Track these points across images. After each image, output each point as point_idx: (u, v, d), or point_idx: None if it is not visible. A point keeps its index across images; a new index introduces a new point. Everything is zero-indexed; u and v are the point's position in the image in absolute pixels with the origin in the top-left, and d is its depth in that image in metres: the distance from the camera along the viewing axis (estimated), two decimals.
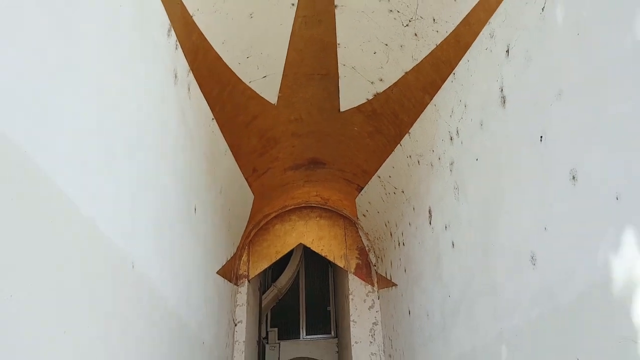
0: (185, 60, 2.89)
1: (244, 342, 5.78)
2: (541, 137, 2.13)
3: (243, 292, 6.05)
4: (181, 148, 2.95)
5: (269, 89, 4.09)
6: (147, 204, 2.29)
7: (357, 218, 6.11)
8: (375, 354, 5.64)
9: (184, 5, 2.65)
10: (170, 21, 2.57)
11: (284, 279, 8.24)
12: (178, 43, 2.73)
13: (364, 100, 4.22)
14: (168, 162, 2.69)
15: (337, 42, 3.69)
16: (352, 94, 4.20)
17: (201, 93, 3.32)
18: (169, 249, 2.70)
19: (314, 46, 3.75)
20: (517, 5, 2.33)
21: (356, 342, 5.74)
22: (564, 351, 1.95)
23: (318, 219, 6.46)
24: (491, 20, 2.59)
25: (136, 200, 2.13)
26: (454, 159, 3.32)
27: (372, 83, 4.00)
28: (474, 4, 2.67)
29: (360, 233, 6.28)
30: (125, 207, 2.01)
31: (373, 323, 5.82)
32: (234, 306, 5.85)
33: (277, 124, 4.61)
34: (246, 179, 5.04)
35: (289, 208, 6.41)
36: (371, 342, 5.72)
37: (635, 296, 1.56)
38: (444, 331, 3.55)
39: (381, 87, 3.96)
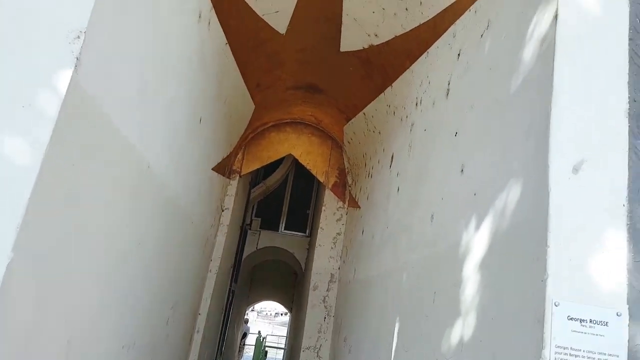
0: (209, 2, 3.47)
1: (227, 225, 6.88)
2: (456, 133, 2.85)
3: (234, 185, 7.02)
4: (195, 69, 3.64)
5: (279, 22, 4.62)
6: (162, 114, 3.07)
7: (343, 143, 6.88)
8: (332, 257, 6.78)
9: None
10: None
11: (273, 179, 9.24)
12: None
13: (360, 48, 4.77)
14: (181, 80, 3.40)
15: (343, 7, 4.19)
16: (351, 40, 4.74)
17: (219, 24, 3.91)
18: (176, 152, 3.53)
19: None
20: (470, 25, 2.90)
21: (320, 245, 6.86)
22: (431, 284, 2.87)
23: (309, 135, 7.24)
24: (456, 23, 3.14)
25: (155, 111, 2.91)
26: (414, 121, 4.02)
27: (368, 35, 4.53)
28: (447, 5, 3.21)
29: (344, 156, 7.10)
30: (148, 118, 2.79)
31: (337, 233, 6.89)
32: (224, 195, 6.86)
33: (283, 50, 5.18)
34: (249, 92, 5.72)
35: (285, 121, 7.15)
36: (332, 248, 6.84)
37: (464, 258, 2.42)
38: (378, 252, 4.53)
39: (375, 42, 4.51)
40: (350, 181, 7.02)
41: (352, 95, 5.74)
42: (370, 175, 5.67)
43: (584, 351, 1.65)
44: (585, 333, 1.66)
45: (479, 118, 2.57)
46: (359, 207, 6.10)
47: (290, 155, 7.61)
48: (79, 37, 1.79)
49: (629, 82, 1.92)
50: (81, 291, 2.35)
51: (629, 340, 1.68)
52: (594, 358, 1.65)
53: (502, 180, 2.13)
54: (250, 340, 16.82)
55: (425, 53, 3.76)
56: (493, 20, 2.61)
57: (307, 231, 9.79)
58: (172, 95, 3.21)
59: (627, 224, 1.78)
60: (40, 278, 1.96)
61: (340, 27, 4.65)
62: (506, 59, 2.35)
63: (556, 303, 1.67)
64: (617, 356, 1.66)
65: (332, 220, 7.01)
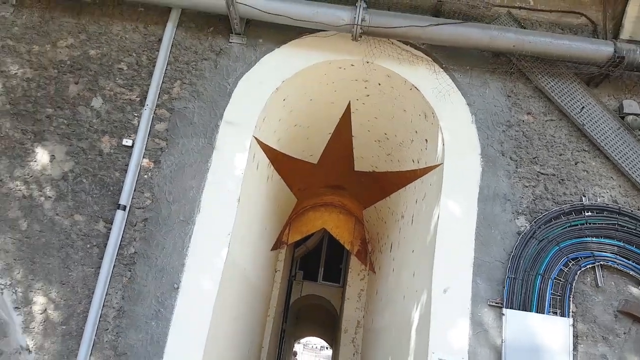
0: (272, 168, 5.93)
1: (279, 282, 9.27)
2: (413, 250, 5.12)
3: (283, 252, 9.44)
4: (265, 202, 6.07)
5: (313, 159, 7.07)
6: (253, 242, 5.49)
7: (364, 221, 9.20)
8: (358, 308, 9.01)
9: (272, 148, 5.65)
10: (268, 159, 5.60)
11: (312, 241, 11.62)
12: (270, 163, 5.76)
13: (368, 171, 7.15)
14: (258, 210, 5.82)
15: (353, 147, 6.60)
16: (361, 166, 7.13)
17: (277, 172, 6.38)
18: (256, 256, 5.95)
19: (340, 142, 6.66)
20: (417, 188, 5.20)
21: (348, 299, 9.12)
22: (400, 337, 5.07)
23: (338, 214, 9.60)
24: (416, 180, 5.45)
25: (250, 244, 5.34)
26: (400, 227, 6.30)
27: (371, 166, 6.92)
28: (411, 169, 5.52)
29: (365, 231, 9.40)
30: (250, 250, 5.21)
31: (361, 289, 9.13)
32: (277, 261, 9.27)
33: (316, 171, 7.64)
34: (293, 192, 8.18)
35: (320, 204, 9.57)
36: (357, 301, 9.08)
37: (410, 326, 4.64)
38: (383, 311, 6.74)
39: (377, 170, 6.88)
40: (370, 249, 9.28)
41: (366, 194, 8.09)
42: (381, 251, 7.93)
43: None
44: None
45: (417, 250, 4.85)
46: (374, 273, 8.34)
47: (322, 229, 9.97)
48: (229, 234, 4.23)
49: (473, 248, 4.16)
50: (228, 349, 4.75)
51: None
52: None
53: (420, 290, 4.40)
54: None
55: (404, 188, 6.07)
56: (425, 195, 4.92)
57: (341, 282, 12.03)
58: (259, 226, 5.66)
59: (470, 318, 3.99)
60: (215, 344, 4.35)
61: (353, 160, 7.07)
62: (424, 225, 4.64)
63: (433, 352, 3.90)
64: None
65: (357, 279, 9.27)
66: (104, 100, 4.49)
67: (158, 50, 4.56)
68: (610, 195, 4.34)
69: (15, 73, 4.52)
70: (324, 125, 6.08)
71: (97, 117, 4.44)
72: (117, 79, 4.53)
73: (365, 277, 9.22)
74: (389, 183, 6.75)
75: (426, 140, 4.93)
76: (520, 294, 4.00)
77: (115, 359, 3.91)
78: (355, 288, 9.20)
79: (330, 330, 15.16)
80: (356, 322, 8.98)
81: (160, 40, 4.60)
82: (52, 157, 4.35)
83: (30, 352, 3.94)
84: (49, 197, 4.26)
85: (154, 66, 4.52)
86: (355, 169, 7.36)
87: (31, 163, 4.33)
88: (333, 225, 9.58)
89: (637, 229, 4.20)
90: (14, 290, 4.09)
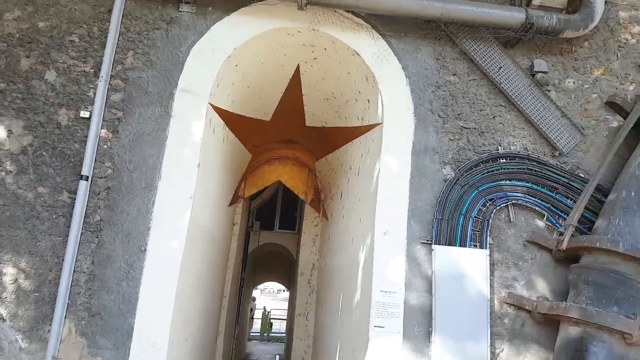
0: (227, 129, 6.27)
1: (237, 234, 9.81)
2: (359, 199, 5.75)
3: (240, 205, 9.91)
4: (221, 161, 6.45)
5: (266, 116, 7.43)
6: (213, 201, 5.91)
7: (316, 172, 9.77)
8: (312, 252, 9.76)
9: (227, 111, 5.98)
10: (223, 121, 5.93)
11: (267, 193, 12.13)
12: (225, 125, 6.09)
13: (318, 126, 7.61)
14: (216, 171, 6.22)
15: (304, 104, 7.01)
16: (311, 122, 7.58)
17: (232, 132, 6.72)
18: (216, 214, 6.40)
19: (291, 101, 7.05)
20: (362, 144, 5.75)
21: (303, 244, 9.83)
22: (349, 278, 5.79)
23: (292, 166, 10.09)
24: (361, 137, 5.99)
25: (210, 203, 5.76)
26: (349, 178, 6.90)
27: (321, 121, 7.38)
28: (356, 125, 6.04)
29: (317, 181, 9.99)
30: (212, 210, 5.64)
31: (315, 235, 9.85)
32: (234, 215, 9.75)
33: (270, 127, 8.02)
34: (248, 149, 8.55)
35: (274, 157, 10.00)
36: (312, 245, 9.81)
37: (356, 266, 5.34)
38: (335, 253, 7.47)
39: (326, 125, 7.36)
40: (322, 197, 9.93)
41: (318, 148, 8.60)
42: (332, 199, 8.58)
43: (386, 304, 4.59)
44: (386, 294, 4.60)
45: (363, 199, 5.47)
46: (327, 219, 9.03)
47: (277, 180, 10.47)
48: (191, 197, 4.65)
49: (408, 195, 4.82)
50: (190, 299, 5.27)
51: (404, 302, 4.61)
52: (390, 306, 4.59)
53: (365, 234, 5.06)
54: (258, 314, 20.06)
55: (351, 142, 6.61)
56: (368, 150, 5.49)
57: (296, 229, 12.75)
58: (217, 186, 6.07)
59: (406, 255, 4.70)
60: (183, 291, 4.85)
61: (304, 116, 7.50)
62: (368, 177, 5.23)
63: (376, 285, 4.61)
64: (399, 305, 4.60)
65: (311, 225, 9.96)
66: (57, 73, 4.62)
67: (109, 22, 4.68)
68: (522, 144, 5.07)
69: None
70: (276, 86, 6.42)
71: (52, 90, 4.59)
72: (69, 51, 4.66)
73: (318, 224, 9.92)
74: (338, 137, 7.26)
75: (368, 100, 5.43)
76: (447, 232, 4.74)
77: (90, 319, 4.27)
78: (310, 234, 9.90)
79: (287, 274, 16.08)
80: (311, 265, 9.76)
81: (110, 10, 4.72)
82: (10, 132, 4.50)
83: (4, 320, 4.21)
84: (10, 171, 4.46)
85: (105, 37, 4.66)
86: (307, 124, 7.79)
87: None
88: (287, 177, 10.09)
89: (542, 171, 4.99)
90: None
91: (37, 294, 4.26)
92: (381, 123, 5.04)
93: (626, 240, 4.37)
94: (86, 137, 4.50)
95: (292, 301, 12.48)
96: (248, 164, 9.33)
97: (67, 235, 4.30)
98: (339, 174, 7.79)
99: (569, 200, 4.95)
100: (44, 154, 4.49)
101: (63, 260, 4.26)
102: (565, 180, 4.98)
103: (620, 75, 5.34)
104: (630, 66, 5.38)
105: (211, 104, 4.92)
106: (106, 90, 4.60)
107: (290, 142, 8.97)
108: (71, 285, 4.26)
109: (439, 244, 4.70)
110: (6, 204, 4.38)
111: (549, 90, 5.19)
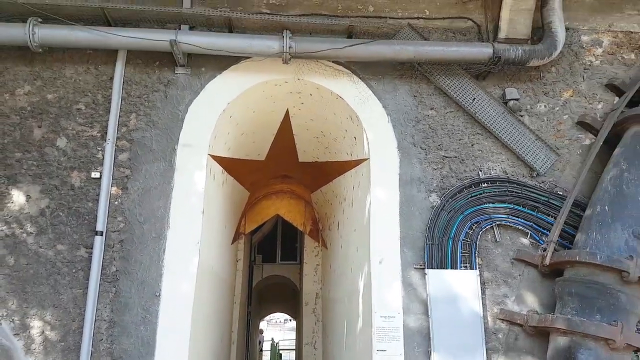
0: (226, 173, 6.65)
1: (241, 270, 10.09)
2: (355, 229, 6.10)
3: (242, 241, 10.23)
4: (220, 198, 6.81)
5: (261, 157, 7.83)
6: (216, 245, 6.25)
7: (312, 203, 10.13)
8: (315, 281, 10.04)
9: (224, 157, 6.37)
10: (221, 167, 6.31)
11: (267, 226, 12.46)
12: (224, 170, 6.47)
13: (311, 161, 8.02)
14: (218, 213, 6.56)
15: (296, 143, 7.43)
16: (304, 158, 7.98)
17: (230, 175, 7.10)
18: (220, 253, 6.72)
19: (283, 141, 7.46)
20: (353, 176, 6.14)
21: (306, 274, 10.11)
22: (351, 306, 6.08)
23: (289, 199, 10.46)
24: (350, 170, 6.38)
25: (216, 246, 6.09)
26: (344, 209, 7.26)
27: (313, 157, 7.79)
28: (345, 160, 6.43)
29: (314, 211, 10.34)
30: (217, 251, 5.97)
31: (316, 264, 10.14)
32: (237, 251, 10.05)
33: (264, 166, 8.42)
34: (246, 188, 8.93)
35: (271, 192, 10.37)
36: (314, 275, 10.09)
37: (355, 297, 5.65)
38: (337, 283, 7.76)
39: (318, 160, 7.76)
40: (321, 227, 10.26)
41: (312, 181, 8.99)
42: (330, 229, 8.92)
43: (386, 328, 4.89)
44: (385, 319, 4.90)
45: (357, 229, 5.82)
46: (326, 248, 9.34)
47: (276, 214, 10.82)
48: (198, 242, 4.99)
49: (399, 224, 5.17)
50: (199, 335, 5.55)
51: (403, 326, 4.91)
52: (391, 330, 4.89)
53: (362, 262, 5.39)
54: (266, 346, 20.06)
55: (343, 175, 7.00)
56: (359, 183, 5.87)
57: (298, 259, 13.03)
58: (220, 227, 6.42)
59: (402, 281, 5.02)
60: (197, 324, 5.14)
61: (297, 153, 7.91)
62: (361, 208, 5.60)
63: (376, 312, 4.91)
64: (398, 329, 4.90)
65: (312, 255, 10.27)
66: (67, 139, 5.02)
67: (111, 88, 5.12)
68: (501, 168, 5.47)
69: None
70: (268, 129, 6.85)
71: (64, 156, 4.98)
72: (77, 118, 5.07)
73: (319, 253, 10.23)
74: (330, 170, 7.66)
75: (355, 137, 5.84)
76: (438, 256, 5.08)
77: None
78: (311, 264, 10.20)
79: (292, 304, 16.25)
80: (315, 294, 10.02)
81: (111, 78, 5.16)
82: (28, 197, 4.87)
83: None
84: (31, 232, 4.81)
85: (109, 103, 5.09)
86: (300, 160, 8.19)
87: (9, 204, 4.84)
88: (285, 210, 10.44)
89: (523, 192, 5.37)
90: (11, 319, 4.64)
91: (62, 344, 4.55)
92: (368, 158, 5.43)
93: (603, 252, 4.71)
94: (98, 195, 4.87)
95: (299, 331, 12.67)
96: (247, 201, 9.69)
97: (87, 287, 4.63)
98: (334, 205, 8.15)
99: (549, 217, 5.31)
100: (61, 214, 4.84)
101: (85, 310, 4.58)
102: (545, 199, 5.36)
103: (588, 95, 5.78)
104: (596, 86, 5.82)
105: (210, 155, 5.31)
106: (113, 151, 4.99)
107: (285, 177, 9.36)
108: (93, 333, 4.56)
109: (431, 268, 5.03)
110: (29, 263, 4.71)
111: (522, 116, 5.62)
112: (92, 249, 4.74)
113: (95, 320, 4.63)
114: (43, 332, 4.59)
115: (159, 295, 4.71)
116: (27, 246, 4.76)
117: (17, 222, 4.80)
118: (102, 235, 4.77)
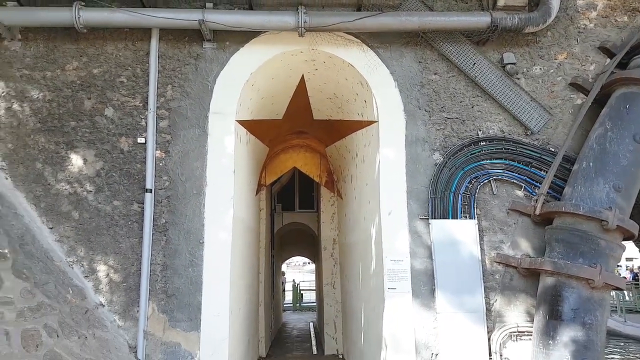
0: (249, 134, 7.34)
1: (264, 218, 11.01)
2: (367, 183, 6.82)
3: (263, 192, 11.07)
4: (245, 156, 7.55)
5: (279, 116, 8.47)
6: (246, 196, 7.05)
7: (327, 156, 10.83)
8: (332, 229, 10.92)
9: (247, 120, 7.03)
10: (245, 129, 6.99)
11: (285, 178, 13.28)
12: (247, 131, 7.16)
13: (325, 119, 8.64)
14: (245, 170, 7.32)
15: (310, 103, 8.03)
16: (318, 115, 8.60)
17: (252, 134, 7.79)
18: (250, 206, 7.55)
19: (299, 101, 8.07)
20: (364, 135, 6.78)
21: (323, 222, 10.99)
22: (365, 250, 6.91)
23: (305, 152, 11.16)
24: (361, 129, 7.01)
25: (241, 189, 6.91)
26: (357, 164, 7.95)
27: (327, 115, 8.40)
28: (356, 119, 7.05)
29: (329, 164, 11.06)
30: (241, 195, 6.78)
31: (333, 213, 10.99)
32: (260, 200, 10.93)
33: (282, 124, 9.07)
34: (265, 144, 9.63)
35: (288, 146, 11.08)
36: (331, 222, 10.97)
37: (367, 242, 6.46)
38: (352, 229, 8.60)
39: (331, 118, 8.38)
40: (335, 179, 11.02)
41: (326, 136, 9.65)
42: (344, 181, 9.67)
43: (396, 270, 5.72)
44: (395, 262, 5.73)
45: (369, 183, 6.54)
46: (342, 198, 10.14)
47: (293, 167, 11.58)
48: (232, 197, 5.78)
49: (405, 180, 5.87)
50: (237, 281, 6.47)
51: (411, 268, 5.72)
52: (400, 271, 5.72)
53: (373, 213, 6.16)
54: (288, 286, 21.62)
55: (355, 133, 7.63)
56: (370, 142, 6.52)
57: (315, 208, 13.92)
58: (247, 182, 7.21)
59: (408, 229, 5.79)
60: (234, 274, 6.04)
61: (312, 112, 8.53)
62: (371, 165, 6.29)
63: (386, 256, 5.73)
64: (406, 270, 5.72)
65: (328, 205, 11.10)
66: (114, 109, 5.74)
67: (148, 63, 5.75)
68: (499, 127, 6.05)
69: (37, 97, 5.67)
70: (285, 92, 7.45)
71: (112, 123, 5.72)
72: (121, 90, 5.75)
73: (335, 203, 11.06)
74: (343, 127, 8.29)
75: (365, 101, 6.43)
76: (440, 208, 5.81)
77: (167, 299, 5.49)
78: (328, 212, 11.06)
79: (311, 248, 17.38)
80: (332, 240, 10.95)
81: (147, 53, 5.78)
82: (85, 160, 5.67)
83: (104, 306, 5.45)
84: (90, 190, 5.64)
85: (147, 76, 5.74)
86: (315, 118, 8.82)
87: (69, 167, 5.65)
88: (302, 163, 11.19)
89: (518, 149, 5.98)
90: (81, 264, 5.55)
91: (125, 284, 5.50)
92: (377, 121, 6.06)
93: (586, 204, 5.37)
94: (145, 158, 5.64)
95: (318, 273, 13.80)
96: (266, 155, 10.43)
97: (142, 237, 5.50)
98: (347, 160, 8.85)
99: (542, 172, 5.94)
100: (114, 174, 5.65)
101: (141, 256, 5.47)
102: (538, 155, 5.97)
103: (581, 57, 6.23)
104: (589, 49, 6.25)
105: (237, 120, 5.99)
106: (154, 119, 5.70)
107: (301, 132, 10.02)
108: (150, 275, 5.47)
109: (434, 219, 5.77)
110: (91, 217, 5.58)
111: (518, 79, 6.12)
112: (143, 204, 5.57)
113: (150, 264, 5.52)
114: (108, 274, 5.52)
115: (202, 242, 5.57)
116: (88, 202, 5.61)
117: (78, 182, 5.62)
118: (151, 192, 5.58)
